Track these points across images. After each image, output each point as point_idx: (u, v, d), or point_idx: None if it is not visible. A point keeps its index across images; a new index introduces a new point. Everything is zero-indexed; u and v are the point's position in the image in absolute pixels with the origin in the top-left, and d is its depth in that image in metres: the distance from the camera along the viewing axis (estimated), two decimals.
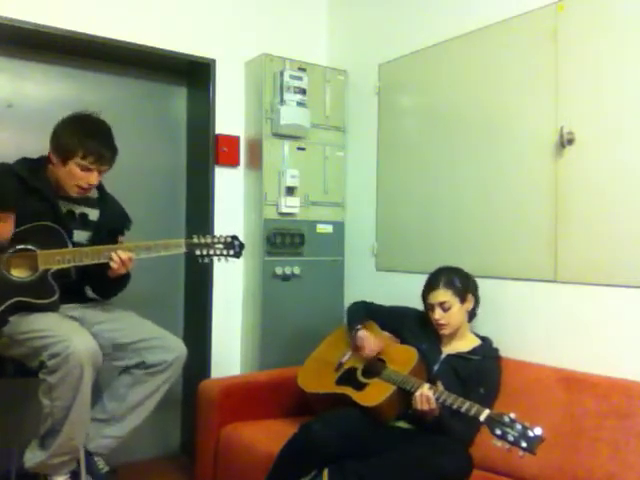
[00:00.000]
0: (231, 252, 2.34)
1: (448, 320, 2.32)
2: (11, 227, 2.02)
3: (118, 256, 2.12)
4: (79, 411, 2.00)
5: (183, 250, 2.27)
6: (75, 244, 2.18)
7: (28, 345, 2.04)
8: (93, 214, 2.30)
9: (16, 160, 2.21)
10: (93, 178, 2.17)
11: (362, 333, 2.45)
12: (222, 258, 2.33)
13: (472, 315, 2.43)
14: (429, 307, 2.36)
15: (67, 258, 2.09)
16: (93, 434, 2.18)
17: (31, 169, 2.17)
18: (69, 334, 1.99)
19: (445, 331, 2.34)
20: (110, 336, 2.19)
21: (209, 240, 2.31)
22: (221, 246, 2.32)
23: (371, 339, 2.43)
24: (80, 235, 2.24)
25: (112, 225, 2.34)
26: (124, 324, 2.27)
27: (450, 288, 2.32)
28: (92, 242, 2.24)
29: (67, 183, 2.17)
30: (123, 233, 2.36)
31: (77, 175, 2.15)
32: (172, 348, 2.25)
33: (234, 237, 2.36)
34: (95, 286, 2.38)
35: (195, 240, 2.29)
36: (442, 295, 2.32)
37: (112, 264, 2.12)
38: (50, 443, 2.03)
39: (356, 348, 2.47)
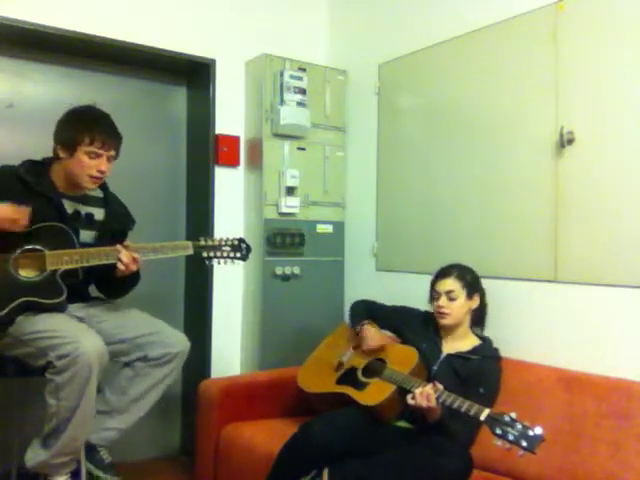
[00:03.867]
0: (238, 255, 2.33)
1: (451, 310, 2.32)
2: (28, 219, 2.03)
3: (125, 257, 2.12)
4: (84, 412, 2.00)
5: (190, 252, 2.25)
6: (82, 244, 2.17)
7: (35, 345, 2.03)
8: (99, 214, 2.29)
9: (20, 162, 2.20)
10: (103, 165, 2.15)
11: (367, 327, 2.47)
12: (228, 261, 2.31)
13: (478, 320, 2.43)
14: (435, 295, 2.37)
15: (75, 259, 2.08)
16: (95, 426, 2.17)
17: (35, 172, 2.16)
18: (78, 335, 1.99)
19: (445, 321, 2.34)
20: (112, 332, 2.18)
21: (216, 242, 2.29)
22: (228, 248, 2.31)
23: (375, 333, 2.45)
24: (86, 235, 2.23)
25: (116, 225, 2.33)
26: (126, 320, 2.26)
27: (460, 280, 2.34)
28: (98, 242, 2.23)
29: (79, 175, 2.15)
30: (126, 235, 2.35)
31: (87, 164, 2.13)
32: (174, 342, 2.24)
33: (241, 240, 2.35)
34: (104, 287, 2.37)
35: (202, 242, 2.27)
36: (451, 284, 2.34)
37: (119, 265, 2.12)
38: (53, 443, 2.02)
39: (359, 341, 2.47)
